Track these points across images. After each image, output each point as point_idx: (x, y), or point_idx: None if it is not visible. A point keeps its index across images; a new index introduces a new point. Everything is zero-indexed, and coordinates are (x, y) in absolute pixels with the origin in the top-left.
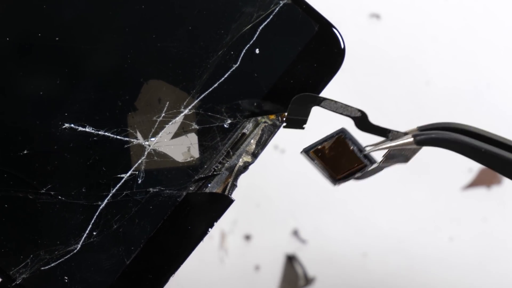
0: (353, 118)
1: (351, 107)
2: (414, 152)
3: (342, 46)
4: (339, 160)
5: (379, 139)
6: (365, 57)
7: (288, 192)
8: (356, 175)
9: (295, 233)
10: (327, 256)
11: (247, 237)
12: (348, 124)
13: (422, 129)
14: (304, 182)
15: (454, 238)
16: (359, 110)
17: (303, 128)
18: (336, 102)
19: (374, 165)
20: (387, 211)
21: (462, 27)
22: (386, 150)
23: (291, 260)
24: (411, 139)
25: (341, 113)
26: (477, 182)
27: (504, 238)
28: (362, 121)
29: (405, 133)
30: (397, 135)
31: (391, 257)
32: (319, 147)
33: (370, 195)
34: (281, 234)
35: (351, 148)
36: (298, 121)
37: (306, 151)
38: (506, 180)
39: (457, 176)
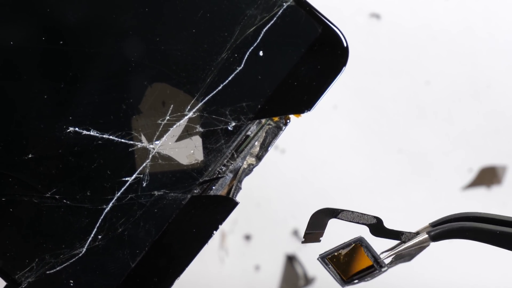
0: (369, 226)
1: (367, 215)
2: (421, 249)
3: (345, 47)
4: (351, 264)
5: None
6: (365, 57)
7: (288, 192)
8: (366, 279)
9: (295, 233)
10: None
11: (247, 237)
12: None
13: (434, 224)
14: (304, 182)
15: None
16: (375, 217)
17: (320, 241)
18: (353, 212)
19: (384, 269)
20: (387, 211)
21: (462, 27)
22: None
23: (291, 260)
24: (426, 236)
25: (358, 222)
26: (477, 182)
27: None
28: (377, 227)
29: (417, 233)
30: (410, 235)
31: None
32: (336, 253)
33: (370, 195)
34: (281, 234)
35: (366, 255)
36: (315, 235)
37: (323, 257)
38: (506, 180)
39: (457, 176)
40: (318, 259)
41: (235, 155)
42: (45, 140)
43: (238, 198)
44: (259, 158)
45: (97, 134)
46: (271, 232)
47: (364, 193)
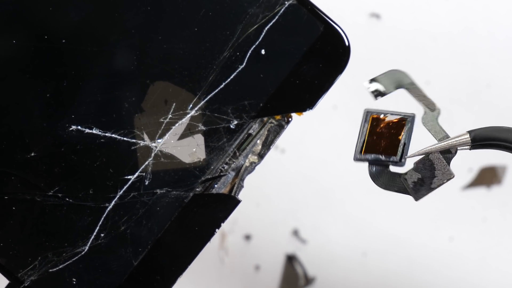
0: (427, 110)
1: (431, 100)
2: (442, 178)
3: (347, 46)
4: (381, 139)
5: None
6: (365, 57)
7: (288, 192)
8: (380, 160)
9: (295, 233)
10: (327, 256)
11: (247, 237)
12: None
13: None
14: (304, 182)
15: (454, 238)
16: (435, 105)
17: (376, 98)
18: (420, 90)
19: (400, 168)
20: (387, 211)
21: (462, 27)
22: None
23: (291, 260)
24: (467, 136)
25: (419, 101)
26: (477, 182)
27: (504, 238)
28: (431, 116)
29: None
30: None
31: (391, 257)
32: (381, 116)
33: (370, 195)
34: (281, 234)
35: (401, 136)
36: (382, 90)
37: (368, 112)
38: (506, 180)
39: (457, 176)
40: (364, 110)
41: (237, 153)
42: (48, 139)
43: (239, 197)
44: (261, 156)
45: (100, 133)
46: (271, 232)
47: (364, 193)
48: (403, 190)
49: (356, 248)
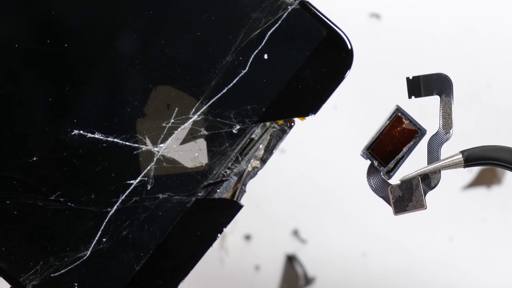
0: (441, 130)
1: (452, 121)
2: (412, 208)
3: (350, 50)
4: (389, 143)
5: None
6: (365, 57)
7: (288, 192)
8: (373, 166)
9: (295, 233)
10: (327, 256)
11: (247, 237)
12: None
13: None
14: (304, 182)
15: (454, 238)
16: (451, 129)
17: (410, 97)
18: (452, 107)
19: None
20: (387, 211)
21: (462, 27)
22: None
23: (291, 260)
24: (459, 156)
25: (442, 116)
26: (477, 182)
27: (504, 238)
28: (440, 137)
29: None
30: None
31: (391, 257)
32: (404, 119)
33: (370, 195)
34: (281, 234)
35: (404, 148)
36: (415, 87)
37: (397, 110)
38: (506, 180)
39: (457, 176)
40: (395, 105)
41: (240, 158)
42: (50, 143)
43: (241, 201)
44: (263, 161)
45: (102, 137)
46: (271, 232)
47: (364, 193)
48: (386, 199)
49: (356, 248)
